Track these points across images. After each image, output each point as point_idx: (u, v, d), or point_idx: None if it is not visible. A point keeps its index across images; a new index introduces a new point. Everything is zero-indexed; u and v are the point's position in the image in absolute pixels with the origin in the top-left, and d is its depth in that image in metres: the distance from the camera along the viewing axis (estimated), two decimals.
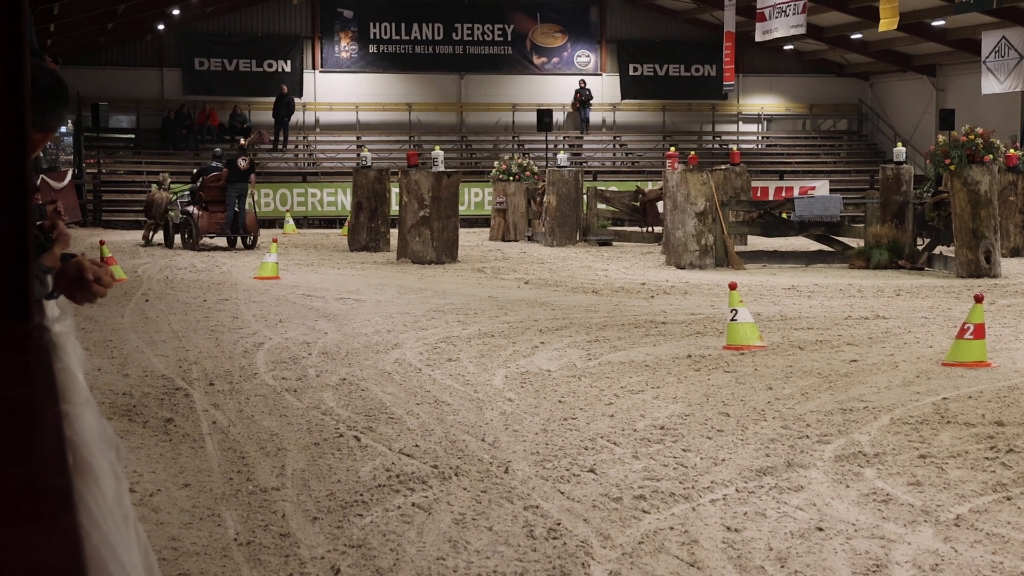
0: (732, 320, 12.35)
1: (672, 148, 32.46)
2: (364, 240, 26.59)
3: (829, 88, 47.78)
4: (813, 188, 38.75)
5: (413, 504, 6.66)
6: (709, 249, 21.81)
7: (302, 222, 36.81)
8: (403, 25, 43.96)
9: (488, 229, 32.03)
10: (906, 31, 38.54)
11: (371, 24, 43.74)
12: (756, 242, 25.86)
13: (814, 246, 23.33)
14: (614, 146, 45.51)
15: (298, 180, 39.63)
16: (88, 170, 38.02)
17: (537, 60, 45.17)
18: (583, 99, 44.39)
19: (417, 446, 8.04)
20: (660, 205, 26.41)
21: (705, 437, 8.25)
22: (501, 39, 44.81)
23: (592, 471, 7.35)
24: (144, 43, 41.90)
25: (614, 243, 28.47)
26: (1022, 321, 14.34)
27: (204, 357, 11.85)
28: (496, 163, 32.05)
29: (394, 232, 25.21)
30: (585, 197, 29.21)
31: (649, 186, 32.09)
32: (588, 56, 45.56)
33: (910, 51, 43.89)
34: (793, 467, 7.38)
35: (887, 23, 34.10)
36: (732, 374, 10.75)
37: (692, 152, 33.19)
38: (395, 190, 26.42)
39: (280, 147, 41.48)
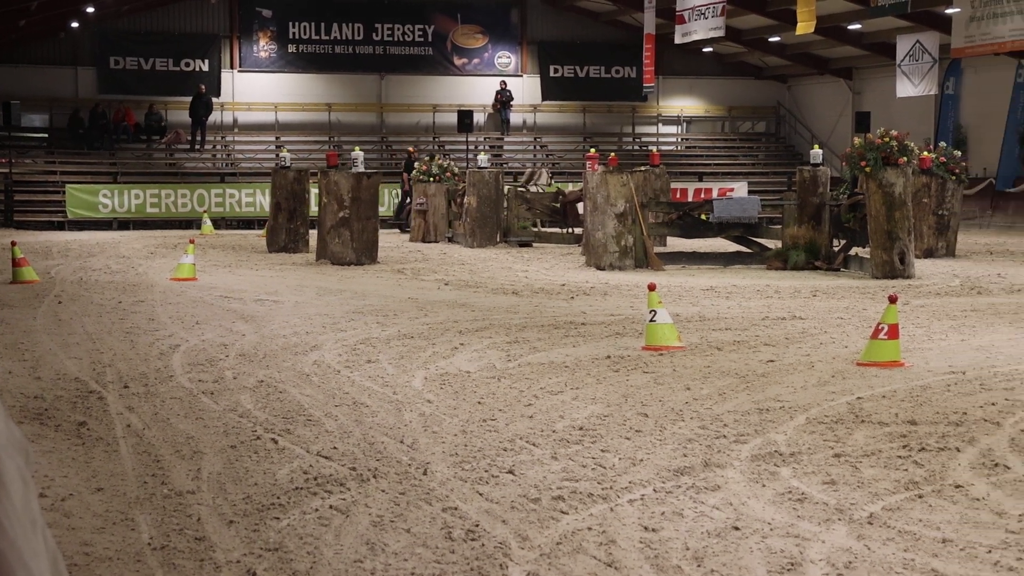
0: (651, 321, 12.40)
1: (592, 149, 32.58)
2: (283, 241, 26.44)
3: (748, 90, 48.21)
4: (732, 189, 39.08)
5: (331, 506, 6.62)
6: (629, 250, 21.89)
7: (220, 223, 36.53)
8: (323, 25, 43.77)
9: (408, 230, 31.97)
10: (823, 34, 38.99)
11: (290, 24, 43.51)
12: (675, 243, 26.01)
13: (732, 247, 23.51)
14: (535, 147, 45.60)
15: (216, 180, 39.33)
16: None
17: (458, 61, 45.16)
18: (504, 100, 44.45)
19: (335, 448, 7.99)
20: (580, 206, 26.49)
21: (623, 438, 8.27)
22: (422, 40, 44.75)
23: (511, 472, 7.35)
24: (58, 41, 41.39)
25: (534, 244, 28.52)
26: (935, 321, 14.53)
27: (119, 359, 11.71)
28: (416, 164, 31.98)
29: (313, 233, 25.07)
30: (506, 198, 29.23)
31: (569, 187, 32.18)
32: (509, 57, 45.62)
33: (827, 54, 44.40)
34: (710, 467, 7.42)
35: (804, 26, 34.47)
36: (651, 375, 10.79)
37: (612, 153, 33.29)
38: (314, 191, 26.28)
39: (198, 147, 41.13)
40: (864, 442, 8.06)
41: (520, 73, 45.73)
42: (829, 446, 7.94)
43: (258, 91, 43.36)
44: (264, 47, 43.43)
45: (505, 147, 44.90)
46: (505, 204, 28.76)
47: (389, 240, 29.31)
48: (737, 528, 6.14)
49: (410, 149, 34.79)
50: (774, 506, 6.55)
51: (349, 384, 10.38)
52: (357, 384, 10.38)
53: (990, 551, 5.74)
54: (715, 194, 36.85)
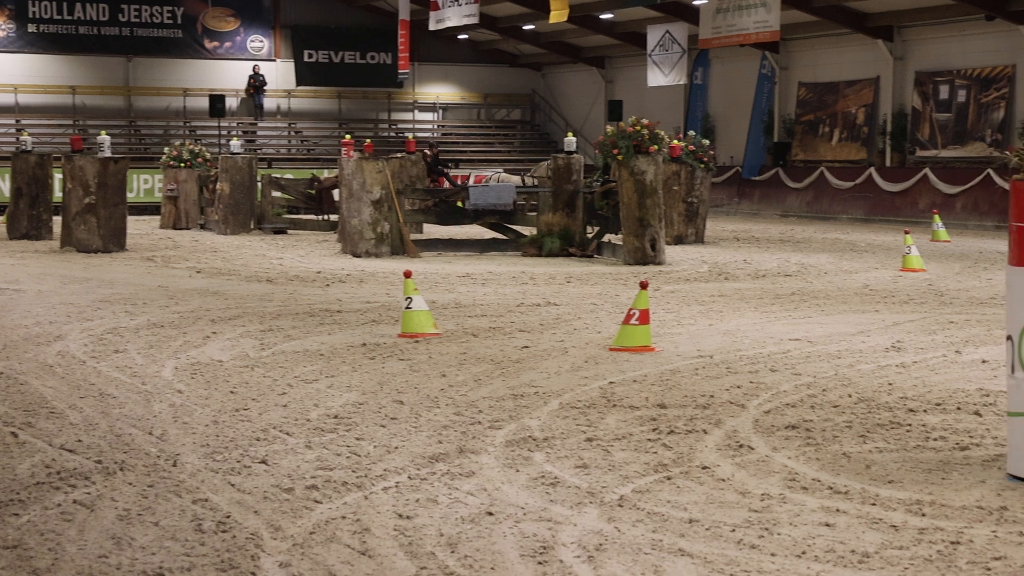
0: (407, 308, 12.38)
1: (348, 136, 32.43)
2: (25, 228, 25.57)
3: (503, 78, 48.66)
4: (488, 177, 39.33)
5: (75, 501, 6.40)
6: (385, 237, 21.83)
7: None
8: (65, 5, 42.44)
9: (159, 217, 31.26)
10: (576, 23, 39.60)
11: (29, 2, 42.03)
12: (432, 230, 26.07)
13: (488, 234, 23.67)
14: (289, 133, 45.19)
15: None
16: None
17: (209, 44, 44.35)
18: (257, 85, 43.89)
19: (80, 441, 7.74)
20: (336, 193, 26.32)
21: (379, 425, 8.23)
22: (171, 22, 43.78)
23: (264, 462, 7.23)
24: None
25: (289, 231, 28.23)
26: (684, 307, 14.89)
27: None
28: (167, 149, 31.29)
29: (58, 220, 24.28)
30: (259, 184, 28.85)
31: (325, 174, 31.94)
32: (262, 41, 45.03)
33: (580, 43, 45.11)
34: (465, 453, 7.43)
35: (557, 15, 34.93)
36: (406, 362, 10.78)
37: (368, 140, 33.19)
38: (58, 176, 25.45)
39: None
40: (615, 426, 8.19)
41: (273, 57, 45.20)
42: (582, 430, 8.05)
43: None
44: (1, 26, 41.86)
45: (259, 132, 44.33)
46: (259, 190, 28.42)
47: (138, 227, 28.62)
48: (491, 513, 6.16)
49: (426, 151, 33.81)
50: (527, 491, 6.60)
51: (95, 375, 10.08)
52: (104, 375, 10.09)
53: (734, 530, 5.89)
54: (471, 181, 37.06)
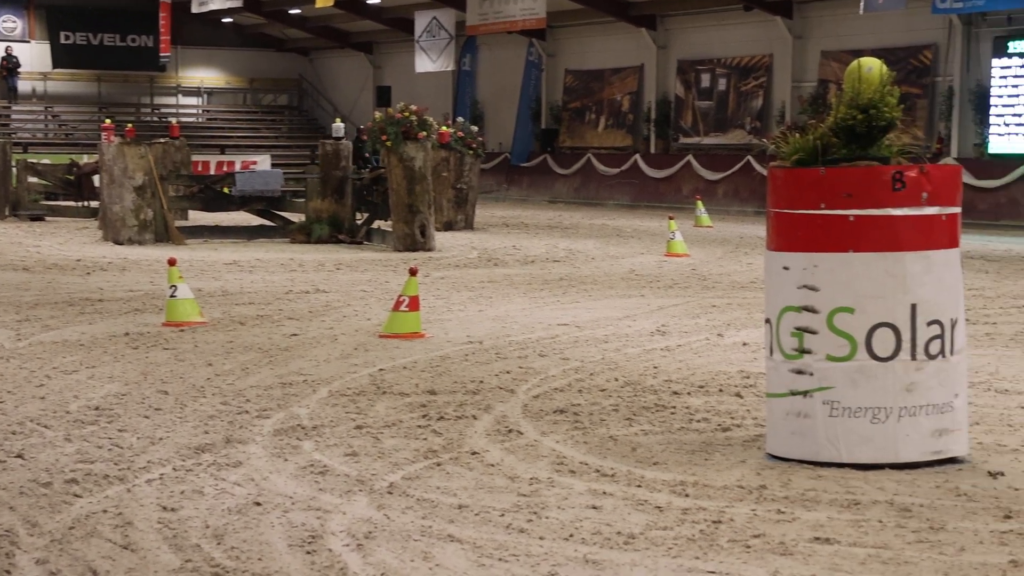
0: (171, 296, 12.13)
1: (108, 120, 31.60)
2: None
3: (269, 62, 48.14)
4: (255, 163, 38.79)
5: None
6: (149, 224, 21.34)
7: None
8: None
9: None
10: (343, 8, 39.38)
11: None
12: (198, 217, 25.59)
13: (256, 221, 23.35)
14: (46, 117, 43.83)
15: None
16: None
17: None
18: (10, 67, 42.45)
19: None
20: (96, 179, 25.62)
21: (142, 416, 8.03)
22: None
23: (20, 456, 6.99)
24: None
25: (47, 218, 27.41)
26: (454, 293, 14.94)
27: None
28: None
29: None
30: (14, 170, 27.91)
31: (84, 159, 31.07)
32: (15, 22, 43.56)
33: (348, 28, 44.88)
34: (232, 443, 7.31)
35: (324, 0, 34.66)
36: (171, 351, 10.55)
37: (129, 124, 32.45)
38: None
39: None
40: (385, 413, 8.16)
41: (28, 39, 43.75)
42: (351, 418, 7.99)
43: None
44: None
45: (13, 116, 42.88)
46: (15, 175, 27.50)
47: None
48: (259, 504, 6.07)
49: (360, 127, 32.51)
50: (296, 480, 6.53)
51: None
52: None
53: (503, 514, 5.92)
54: (237, 167, 36.52)
